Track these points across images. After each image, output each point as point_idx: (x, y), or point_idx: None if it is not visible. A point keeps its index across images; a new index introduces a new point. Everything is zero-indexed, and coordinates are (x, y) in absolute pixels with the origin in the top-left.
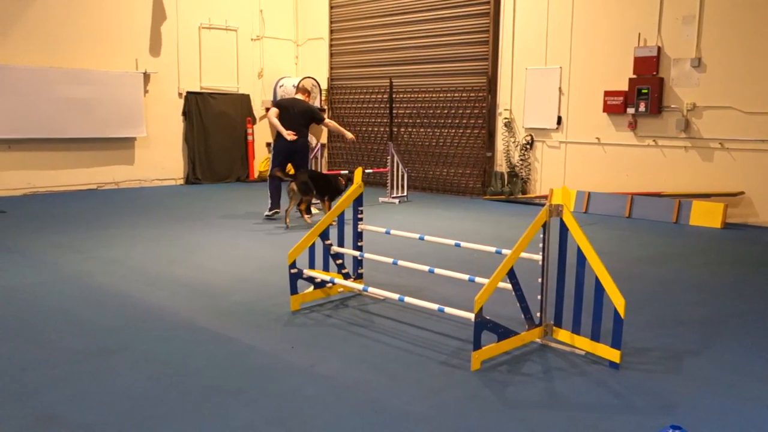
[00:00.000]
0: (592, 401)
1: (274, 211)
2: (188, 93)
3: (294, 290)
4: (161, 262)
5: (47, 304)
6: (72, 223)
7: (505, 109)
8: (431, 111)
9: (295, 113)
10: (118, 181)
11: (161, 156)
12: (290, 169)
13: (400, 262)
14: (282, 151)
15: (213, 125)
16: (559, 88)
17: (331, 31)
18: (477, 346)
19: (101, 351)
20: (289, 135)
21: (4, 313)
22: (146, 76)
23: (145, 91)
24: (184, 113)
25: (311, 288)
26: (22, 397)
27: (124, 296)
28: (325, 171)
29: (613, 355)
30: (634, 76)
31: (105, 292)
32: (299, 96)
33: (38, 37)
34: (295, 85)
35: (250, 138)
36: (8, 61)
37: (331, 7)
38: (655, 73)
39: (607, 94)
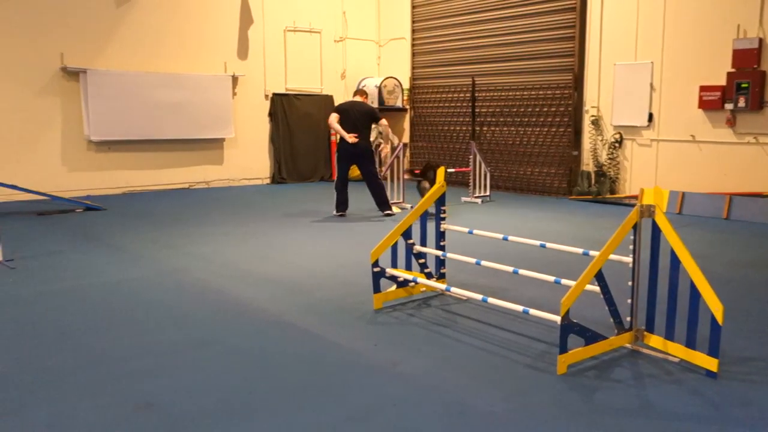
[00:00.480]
0: (686, 411)
1: (340, 213)
2: (274, 94)
3: (377, 289)
4: (250, 258)
5: (147, 297)
6: (167, 220)
7: (592, 107)
8: (515, 109)
9: (356, 115)
10: (209, 180)
11: (248, 156)
12: (354, 171)
13: (483, 263)
14: (345, 154)
15: (298, 126)
16: (651, 84)
17: (413, 31)
18: (563, 349)
19: (197, 343)
20: (351, 138)
21: (108, 306)
22: (234, 79)
23: (234, 94)
24: (270, 114)
25: (394, 287)
26: (123, 385)
27: (217, 291)
28: (405, 170)
29: (711, 363)
30: (733, 70)
31: (200, 287)
32: (357, 98)
33: (136, 45)
34: (377, 85)
35: (333, 138)
36: (109, 67)
37: (413, 7)
38: (756, 66)
39: (702, 89)
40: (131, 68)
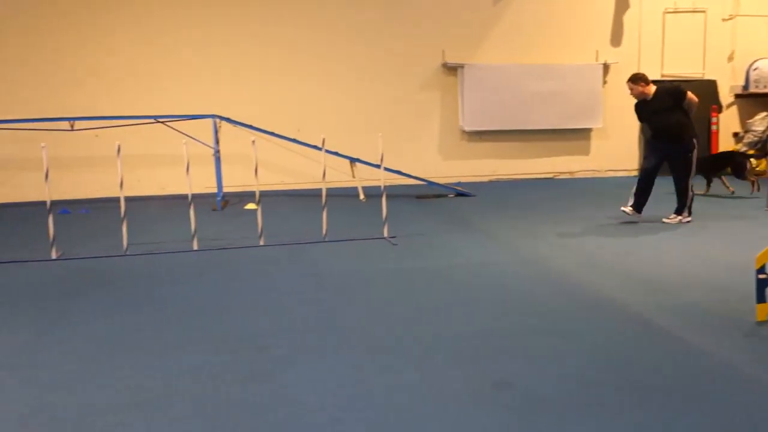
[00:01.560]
0: None
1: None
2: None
3: (761, 298)
4: (614, 252)
5: (507, 281)
6: (529, 209)
7: None
8: None
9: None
10: (573, 171)
11: (616, 147)
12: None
13: None
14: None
15: None
16: None
17: None
18: None
19: (550, 330)
20: None
21: (471, 286)
22: (606, 67)
23: (604, 82)
24: None
25: None
26: (481, 362)
27: (575, 283)
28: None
29: None
30: None
31: (559, 276)
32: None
33: (511, 39)
34: None
35: (714, 128)
36: (485, 61)
37: None
38: None
39: None
40: (505, 61)
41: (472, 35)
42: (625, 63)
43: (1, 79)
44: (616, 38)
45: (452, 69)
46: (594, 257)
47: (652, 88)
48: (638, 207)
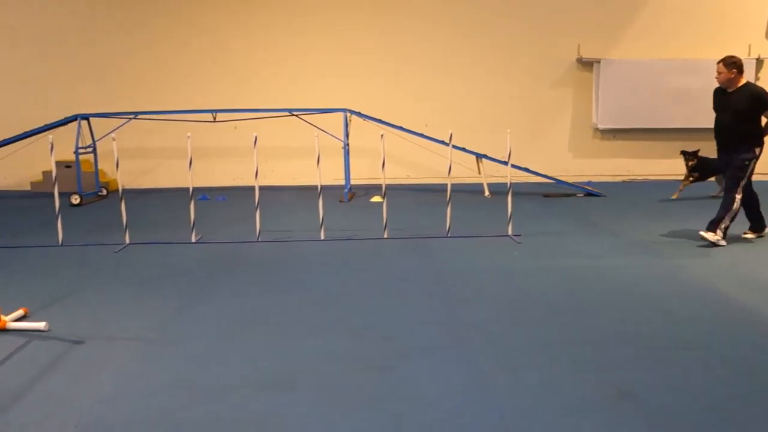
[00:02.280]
0: None
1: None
2: None
3: None
4: (762, 262)
5: (638, 287)
6: (665, 212)
7: None
8: None
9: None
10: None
11: (765, 149)
12: None
13: None
14: None
15: None
16: None
17: None
18: None
19: (683, 343)
20: None
21: (599, 289)
22: (759, 63)
23: (756, 78)
24: None
25: None
26: (606, 369)
27: (713, 293)
28: None
29: None
30: None
31: (695, 286)
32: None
33: (651, 33)
34: None
35: None
36: (622, 56)
37: None
38: None
39: None
40: (644, 56)
41: (610, 29)
42: None
43: (152, 71)
44: None
45: (588, 64)
46: (736, 266)
47: (742, 81)
48: (756, 226)
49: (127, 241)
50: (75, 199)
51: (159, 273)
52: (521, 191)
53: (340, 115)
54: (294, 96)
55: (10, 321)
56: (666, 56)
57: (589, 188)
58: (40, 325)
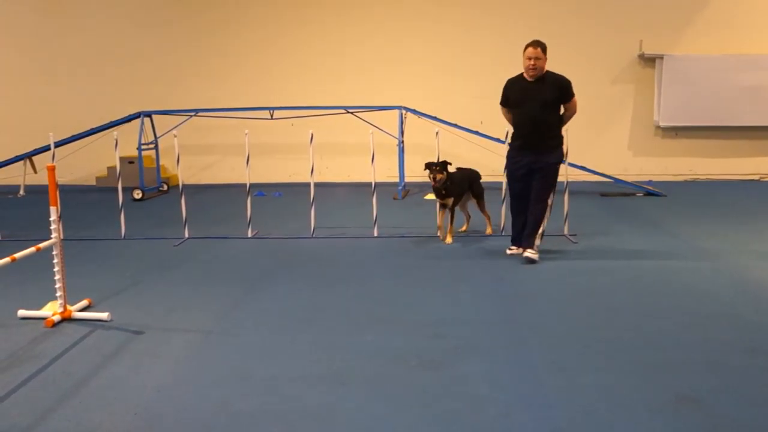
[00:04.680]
0: None
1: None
2: None
3: None
4: None
5: (699, 289)
6: (730, 213)
7: None
8: None
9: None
10: None
11: None
12: None
13: None
14: None
15: None
16: None
17: None
18: None
19: (748, 348)
20: None
21: (659, 291)
22: None
23: None
24: None
25: None
26: (666, 373)
27: None
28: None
29: None
30: None
31: (758, 289)
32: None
33: (717, 28)
34: None
35: None
36: (687, 52)
37: None
38: None
39: None
40: (710, 52)
41: (674, 24)
42: None
43: (212, 70)
44: None
45: (650, 60)
46: None
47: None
48: None
49: (186, 235)
50: (137, 194)
51: (216, 267)
52: (578, 190)
53: (396, 112)
54: (350, 93)
55: (75, 311)
56: (731, 51)
57: (650, 188)
58: (103, 315)
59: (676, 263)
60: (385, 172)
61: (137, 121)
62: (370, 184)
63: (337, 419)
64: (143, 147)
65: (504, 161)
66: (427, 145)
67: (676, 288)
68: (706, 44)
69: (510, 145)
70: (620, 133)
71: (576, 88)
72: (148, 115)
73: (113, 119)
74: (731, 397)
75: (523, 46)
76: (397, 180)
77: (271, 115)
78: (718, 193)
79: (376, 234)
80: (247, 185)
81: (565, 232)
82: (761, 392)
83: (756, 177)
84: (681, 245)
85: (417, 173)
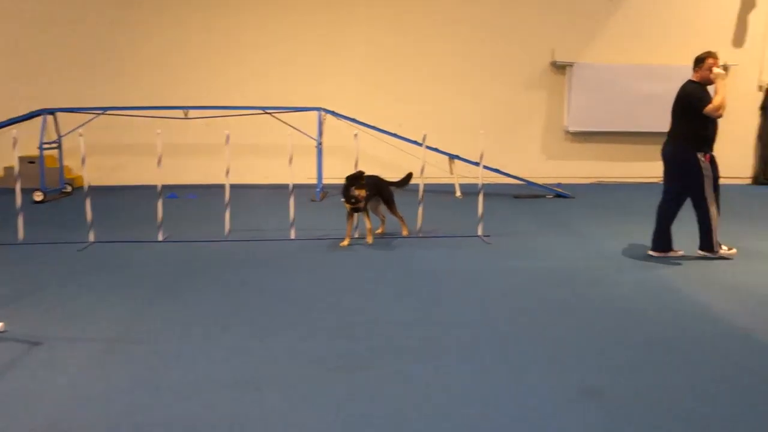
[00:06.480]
0: None
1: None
2: None
3: None
4: (729, 264)
5: (607, 289)
6: (633, 214)
7: None
8: None
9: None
10: None
11: (729, 153)
12: None
13: None
14: None
15: None
16: None
17: None
18: None
19: (652, 344)
20: None
21: (570, 288)
22: (724, 69)
23: None
24: (763, 108)
25: None
26: (576, 369)
27: (675, 292)
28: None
29: None
30: None
31: (661, 285)
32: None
33: (622, 38)
34: None
35: None
36: (594, 60)
37: None
38: None
39: None
40: (615, 61)
41: (584, 33)
42: (747, 65)
43: (122, 66)
44: (739, 39)
45: (561, 68)
46: (703, 268)
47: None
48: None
49: (92, 239)
50: (38, 196)
51: (124, 272)
52: (493, 192)
53: (314, 113)
54: (268, 94)
55: None
56: (636, 61)
57: (559, 190)
58: None
59: (584, 262)
60: (304, 174)
61: (39, 119)
62: (287, 185)
63: (251, 427)
64: (45, 146)
65: (421, 162)
66: (346, 146)
67: (582, 285)
68: (614, 54)
69: (711, 155)
70: (533, 137)
71: (491, 95)
72: (51, 112)
73: (12, 116)
74: (631, 389)
75: (443, 53)
76: (315, 182)
77: (186, 115)
78: (622, 194)
79: (293, 236)
80: (159, 187)
81: (479, 233)
82: (659, 383)
83: (655, 180)
84: (588, 244)
85: (335, 175)
